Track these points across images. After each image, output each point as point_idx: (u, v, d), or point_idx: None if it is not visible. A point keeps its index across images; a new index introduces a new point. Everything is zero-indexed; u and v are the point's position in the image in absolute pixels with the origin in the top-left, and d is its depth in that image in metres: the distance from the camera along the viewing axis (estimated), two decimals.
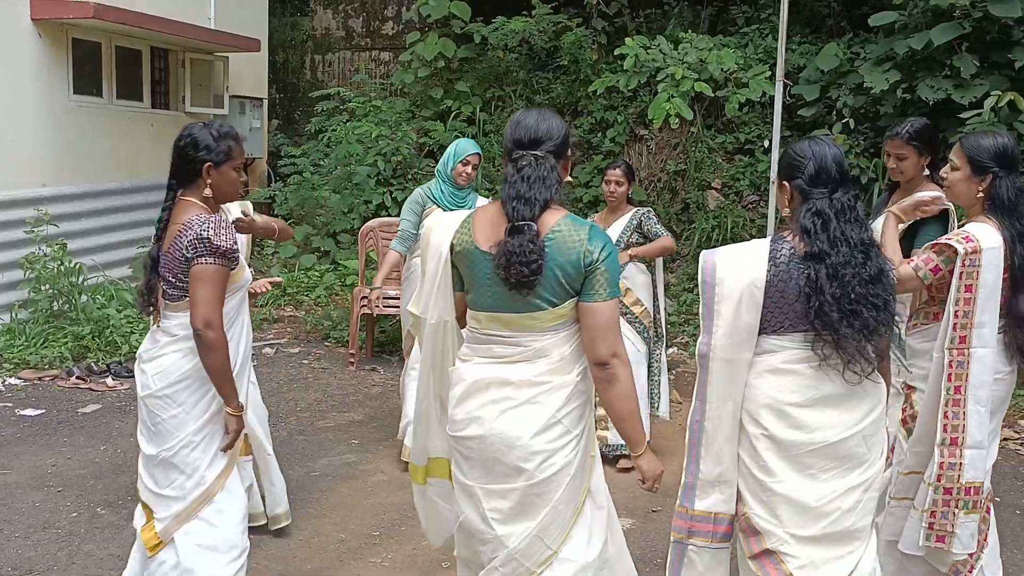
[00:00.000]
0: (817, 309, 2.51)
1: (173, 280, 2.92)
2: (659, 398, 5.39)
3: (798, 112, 8.90)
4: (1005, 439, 5.57)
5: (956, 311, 2.92)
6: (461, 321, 2.71)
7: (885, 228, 3.21)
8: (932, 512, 2.98)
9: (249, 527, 3.85)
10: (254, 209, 4.26)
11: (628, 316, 5.16)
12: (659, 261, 5.39)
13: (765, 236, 5.64)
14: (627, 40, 9.13)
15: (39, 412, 5.83)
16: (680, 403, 6.13)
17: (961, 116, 7.31)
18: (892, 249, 3.07)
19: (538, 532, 2.51)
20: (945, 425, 2.95)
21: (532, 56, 10.59)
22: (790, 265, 2.57)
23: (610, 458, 4.89)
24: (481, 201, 4.99)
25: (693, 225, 8.99)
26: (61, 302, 7.22)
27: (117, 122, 8.81)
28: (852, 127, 8.27)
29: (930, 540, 3.01)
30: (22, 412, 5.82)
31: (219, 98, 10.34)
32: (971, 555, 3.10)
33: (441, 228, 2.67)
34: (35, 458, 5.08)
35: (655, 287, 5.34)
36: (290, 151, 10.56)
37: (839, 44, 8.85)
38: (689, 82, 8.58)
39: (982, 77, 7.56)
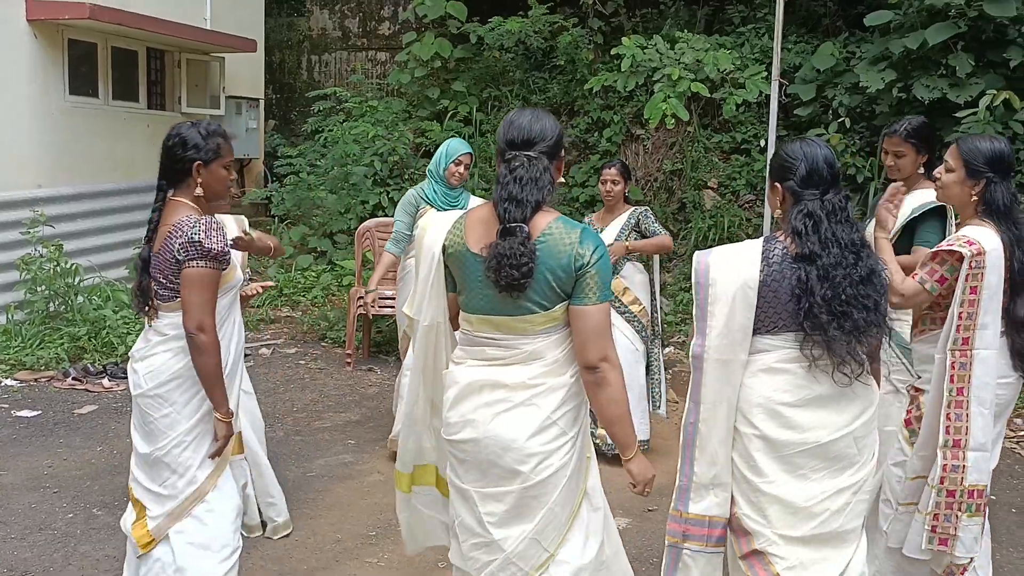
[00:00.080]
0: (807, 310, 2.52)
1: (164, 281, 2.92)
2: (660, 397, 5.42)
3: (794, 112, 8.91)
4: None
5: (960, 312, 2.91)
6: (454, 323, 2.69)
7: (879, 250, 3.17)
8: (935, 515, 2.97)
9: (246, 536, 3.88)
10: (250, 225, 4.29)
11: (627, 315, 5.18)
12: (656, 260, 5.42)
13: (761, 235, 5.66)
14: (624, 40, 9.15)
15: (35, 413, 5.83)
16: (677, 402, 6.14)
17: (957, 115, 7.32)
18: (892, 267, 3.07)
19: (535, 535, 2.50)
20: (948, 427, 2.94)
21: (528, 56, 10.59)
22: (783, 265, 2.57)
23: (609, 456, 4.89)
24: (474, 200, 5.00)
25: (689, 225, 9.00)
26: (57, 303, 7.22)
27: (113, 123, 8.81)
28: (848, 126, 8.29)
29: (932, 543, 3.00)
30: (18, 413, 5.81)
31: (215, 98, 10.35)
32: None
33: (434, 229, 2.65)
34: (31, 459, 5.08)
35: (652, 286, 5.36)
36: (286, 151, 10.56)
37: (835, 43, 8.86)
38: (686, 82, 8.60)
39: (977, 76, 7.57)
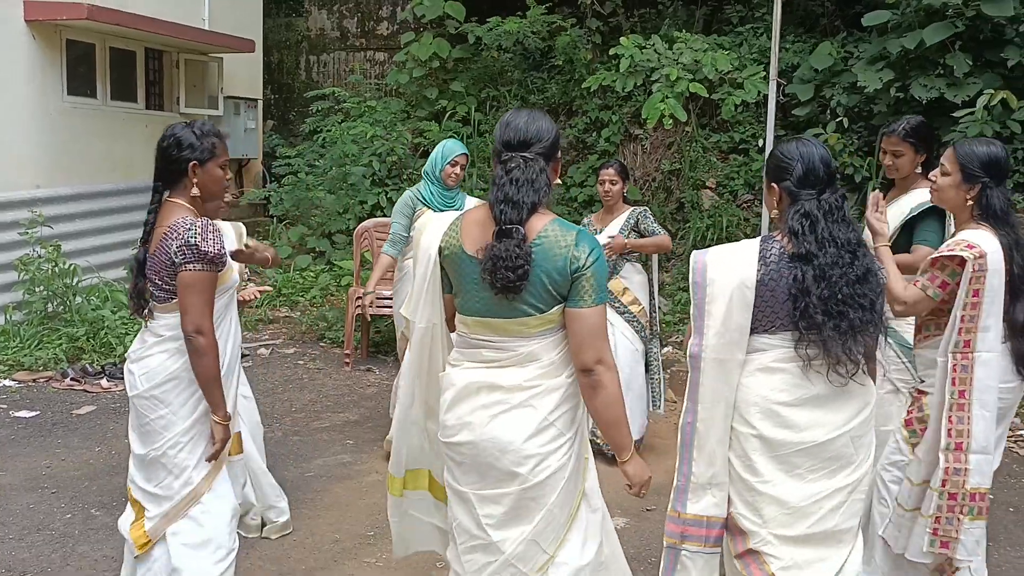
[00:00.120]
0: (803, 310, 2.52)
1: (160, 283, 2.91)
2: (659, 396, 5.43)
3: (792, 112, 8.92)
4: None
5: (962, 316, 2.91)
6: (451, 324, 2.68)
7: (880, 259, 3.15)
8: (936, 517, 2.97)
9: (245, 536, 3.89)
10: (248, 230, 4.31)
11: (626, 315, 5.19)
12: (655, 260, 5.43)
13: (759, 235, 5.66)
14: (622, 40, 9.15)
15: (33, 414, 5.83)
16: (675, 402, 6.14)
17: (954, 115, 7.33)
18: (893, 276, 3.06)
19: (533, 536, 2.49)
20: (950, 430, 2.94)
21: (527, 56, 10.60)
22: (780, 265, 2.58)
23: (608, 456, 4.89)
24: (470, 201, 5.01)
25: (688, 225, 9.00)
26: (55, 303, 7.22)
27: (111, 123, 8.81)
28: (846, 126, 8.29)
29: (934, 546, 2.99)
30: (16, 414, 5.81)
31: (214, 99, 10.35)
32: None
33: (431, 230, 2.65)
34: (29, 460, 5.08)
35: (651, 286, 5.38)
36: (285, 152, 10.56)
37: (833, 43, 8.87)
38: (684, 83, 8.60)
39: (975, 76, 7.59)
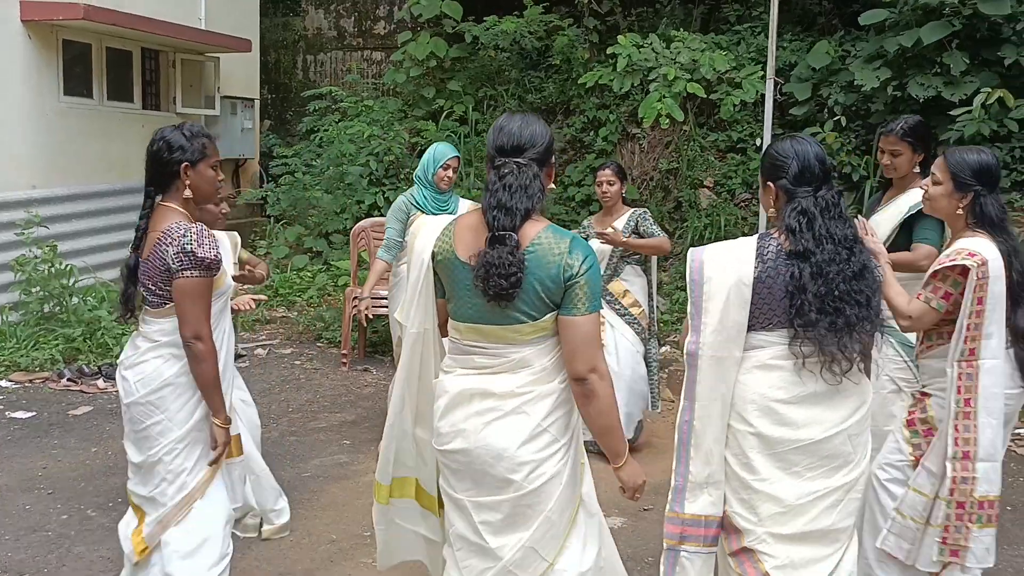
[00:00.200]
0: (798, 307, 2.52)
1: (153, 288, 2.90)
2: (657, 396, 5.47)
3: (790, 111, 8.91)
4: None
5: (968, 324, 2.89)
6: (443, 329, 2.66)
7: (884, 280, 3.12)
8: (946, 527, 2.95)
9: (242, 536, 3.88)
10: (244, 236, 4.32)
11: (627, 317, 5.21)
12: (653, 261, 5.45)
13: (757, 234, 5.66)
14: (619, 38, 9.14)
15: (30, 415, 5.82)
16: (672, 401, 6.14)
17: (951, 113, 7.33)
18: (895, 291, 3.05)
19: (531, 543, 2.47)
20: (956, 439, 2.92)
21: (524, 55, 10.58)
22: (777, 262, 2.58)
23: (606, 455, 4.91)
24: (463, 204, 5.00)
25: (686, 224, 9.00)
26: (52, 304, 7.20)
27: (108, 123, 8.79)
28: (843, 125, 8.29)
29: (944, 555, 2.97)
30: (13, 414, 5.80)
31: (210, 99, 10.33)
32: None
33: (424, 234, 2.63)
34: (26, 460, 5.07)
35: (650, 287, 5.39)
36: (282, 151, 10.54)
37: (830, 42, 8.87)
38: (682, 83, 8.59)
39: (972, 74, 7.58)
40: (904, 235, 3.76)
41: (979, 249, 2.93)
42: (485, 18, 10.17)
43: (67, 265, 7.24)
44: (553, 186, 2.62)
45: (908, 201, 3.75)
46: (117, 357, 6.74)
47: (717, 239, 8.40)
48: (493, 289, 2.36)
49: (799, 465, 2.57)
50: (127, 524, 3.10)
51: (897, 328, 3.16)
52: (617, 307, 5.20)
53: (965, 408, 2.91)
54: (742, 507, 2.63)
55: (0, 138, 7.52)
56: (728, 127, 9.38)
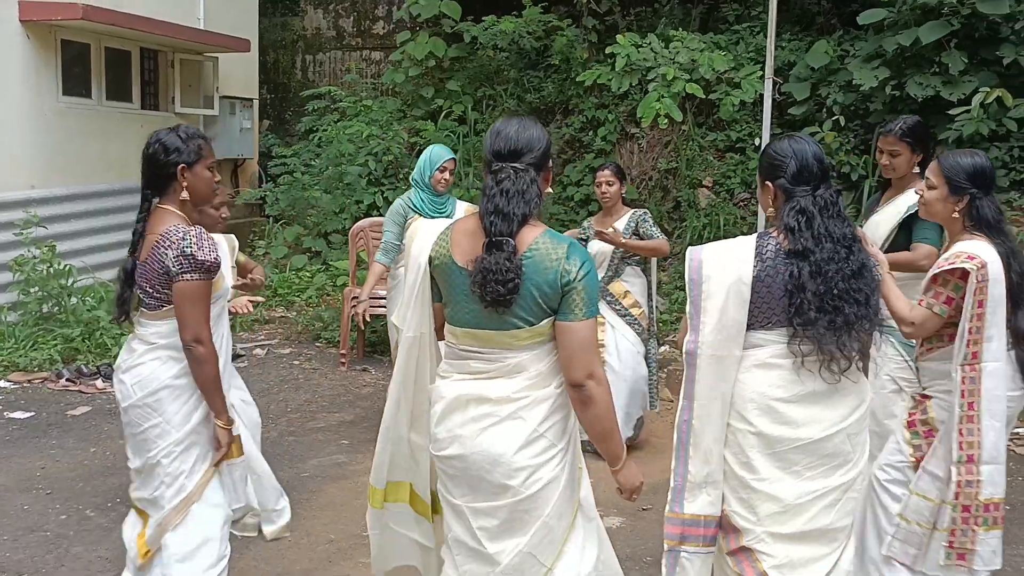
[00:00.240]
0: (797, 306, 2.52)
1: (151, 290, 2.89)
2: (655, 395, 5.47)
3: (788, 110, 8.91)
4: None
5: (970, 327, 2.88)
6: (439, 332, 2.65)
7: (884, 286, 3.11)
8: (952, 531, 2.94)
9: (241, 535, 3.88)
10: (238, 248, 4.34)
11: (627, 318, 5.22)
12: (653, 261, 5.46)
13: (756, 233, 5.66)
14: (618, 38, 9.13)
15: (28, 415, 5.82)
16: (672, 400, 6.14)
17: (950, 113, 7.33)
18: (895, 297, 3.04)
19: (529, 549, 2.46)
20: (961, 443, 2.91)
21: (522, 55, 10.58)
22: (776, 261, 2.58)
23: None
24: (461, 206, 5.00)
25: (684, 223, 9.00)
26: (51, 304, 7.20)
27: (106, 123, 8.79)
28: (842, 124, 8.29)
29: (951, 558, 2.97)
30: (11, 415, 5.80)
31: (209, 99, 10.32)
32: None
33: (421, 238, 2.62)
34: (24, 461, 5.06)
35: (649, 288, 5.40)
36: (281, 151, 10.53)
37: (829, 42, 8.87)
38: (680, 83, 8.59)
39: (971, 74, 7.59)
40: (903, 235, 3.76)
41: (978, 252, 2.92)
42: (484, 18, 10.16)
43: (66, 265, 7.23)
44: (550, 190, 2.62)
45: (907, 201, 3.75)
46: (116, 357, 6.74)
47: (716, 238, 8.38)
48: (490, 295, 2.35)
49: (799, 464, 2.57)
50: (132, 527, 3.11)
51: (895, 326, 3.16)
52: (618, 308, 5.21)
53: (968, 412, 2.90)
54: (741, 506, 2.62)
55: None
56: (727, 127, 9.38)
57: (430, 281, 2.60)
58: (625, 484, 2.57)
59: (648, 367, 5.36)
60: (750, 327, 2.59)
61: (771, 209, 2.70)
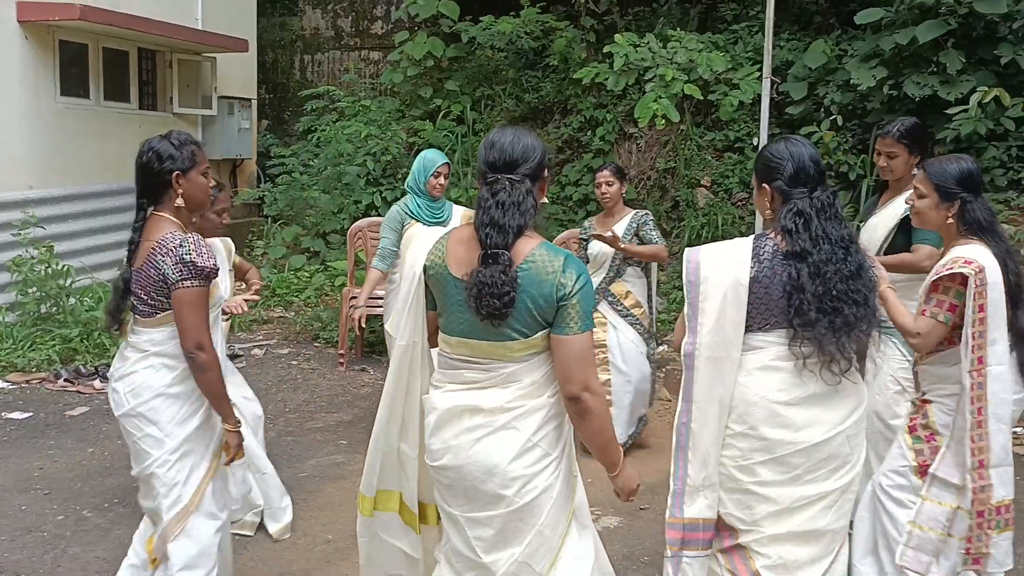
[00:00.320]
0: (797, 307, 2.52)
1: (145, 297, 2.89)
2: (655, 395, 5.48)
3: (786, 110, 8.92)
4: None
5: (973, 333, 2.87)
6: (432, 340, 2.65)
7: (885, 300, 3.06)
8: (968, 537, 2.94)
9: (237, 534, 3.89)
10: (235, 250, 4.35)
11: (629, 318, 5.22)
12: (653, 263, 5.44)
13: (754, 233, 5.66)
14: (616, 37, 9.13)
15: (26, 415, 5.81)
16: (670, 400, 6.15)
17: (948, 112, 7.34)
18: (899, 312, 3.03)
19: (524, 558, 2.46)
20: (973, 449, 2.90)
21: (521, 55, 10.58)
22: (774, 262, 2.58)
23: None
24: (457, 211, 5.00)
25: (683, 223, 9.00)
26: (49, 305, 7.19)
27: (104, 123, 8.79)
28: (840, 124, 8.29)
29: (967, 564, 2.96)
30: (9, 415, 5.80)
31: (207, 99, 10.32)
32: None
33: (416, 246, 2.62)
34: (22, 461, 5.06)
35: (649, 288, 5.40)
36: (279, 151, 10.53)
37: (827, 41, 8.87)
38: (679, 84, 8.59)
39: (968, 73, 7.59)
40: (902, 237, 3.76)
41: (975, 256, 2.90)
42: (482, 18, 10.17)
43: (64, 266, 7.23)
44: (546, 200, 2.60)
45: (905, 203, 3.75)
46: (114, 358, 6.74)
47: (715, 238, 8.41)
48: (486, 309, 2.34)
49: (800, 468, 2.57)
50: (143, 532, 3.12)
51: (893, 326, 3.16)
52: (620, 308, 5.21)
53: (978, 417, 2.88)
54: (737, 508, 2.62)
55: None
56: (725, 126, 9.38)
57: (424, 289, 2.58)
58: (623, 488, 2.57)
59: (652, 368, 5.37)
60: (748, 329, 2.59)
61: (768, 212, 2.70)
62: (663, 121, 8.40)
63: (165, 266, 2.80)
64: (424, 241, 2.60)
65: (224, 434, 3.00)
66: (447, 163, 4.97)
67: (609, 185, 5.21)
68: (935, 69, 7.66)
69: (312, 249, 9.46)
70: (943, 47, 7.65)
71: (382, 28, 12.55)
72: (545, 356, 2.45)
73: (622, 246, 5.03)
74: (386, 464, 2.77)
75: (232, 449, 3.00)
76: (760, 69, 8.44)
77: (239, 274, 4.44)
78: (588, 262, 5.25)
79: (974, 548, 2.93)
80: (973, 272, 2.86)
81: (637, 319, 5.23)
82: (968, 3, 7.42)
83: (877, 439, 3.61)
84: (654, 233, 5.18)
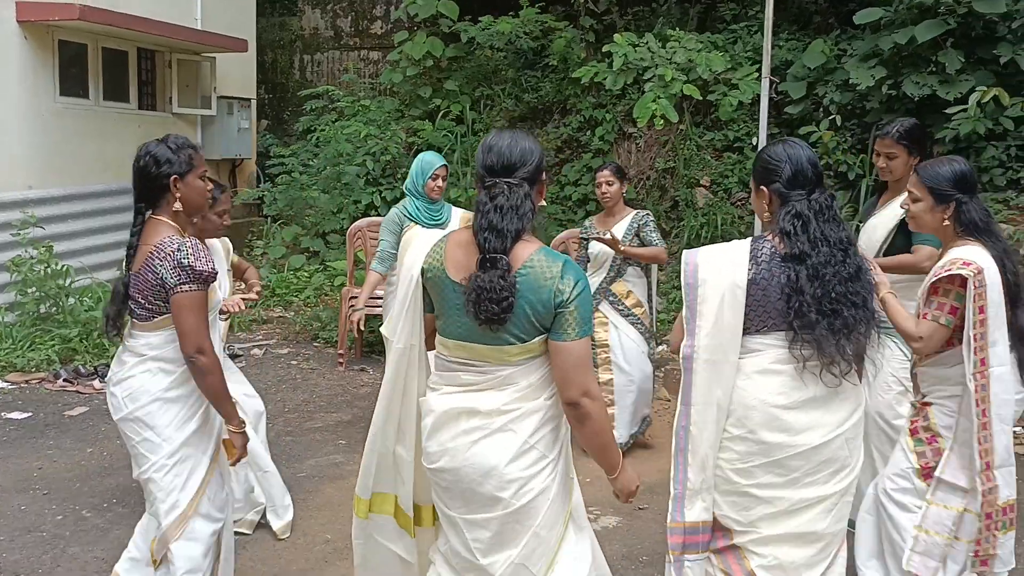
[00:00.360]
0: (796, 309, 2.52)
1: (142, 301, 2.89)
2: (653, 395, 5.48)
3: (785, 109, 8.91)
4: None
5: (975, 335, 2.87)
6: (429, 341, 2.64)
7: (886, 306, 3.07)
8: (977, 540, 2.94)
9: (236, 532, 3.89)
10: (233, 249, 4.35)
11: (630, 318, 5.23)
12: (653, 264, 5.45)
13: (753, 233, 5.67)
14: (615, 37, 9.13)
15: (26, 415, 5.82)
16: (669, 400, 6.15)
17: (947, 112, 7.34)
18: (901, 317, 3.03)
19: (521, 560, 2.46)
20: (980, 451, 2.90)
21: (520, 55, 10.58)
22: (771, 264, 2.58)
23: None
24: (456, 213, 5.01)
25: (682, 223, 9.00)
26: (48, 305, 7.20)
27: (104, 123, 8.79)
28: (839, 124, 8.29)
29: (975, 566, 2.97)
30: (8, 415, 5.80)
31: (207, 99, 10.32)
32: None
33: (415, 247, 2.62)
34: (21, 461, 5.06)
35: (649, 288, 5.41)
36: (279, 151, 10.53)
37: (826, 41, 8.86)
38: (678, 83, 8.59)
39: (967, 73, 7.59)
40: (901, 237, 3.75)
41: (973, 257, 2.90)
42: (481, 18, 10.17)
43: (63, 265, 7.23)
44: (544, 203, 2.60)
45: (900, 207, 3.75)
46: (113, 358, 6.74)
47: (714, 238, 8.42)
48: (484, 314, 2.34)
49: (799, 471, 2.57)
50: (145, 526, 3.12)
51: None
52: (621, 308, 5.21)
53: (983, 419, 2.88)
54: (733, 510, 2.63)
55: None
56: (724, 126, 9.38)
57: (422, 291, 2.58)
58: (622, 490, 2.56)
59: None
60: (747, 331, 2.59)
61: (766, 214, 2.69)
62: (662, 121, 8.40)
63: (163, 270, 2.80)
64: (422, 244, 2.60)
65: (229, 435, 3.00)
66: (445, 165, 4.97)
67: (609, 185, 5.21)
68: (934, 69, 7.66)
69: (311, 249, 9.46)
70: (942, 47, 7.65)
71: (381, 28, 12.55)
72: (542, 360, 2.45)
73: (622, 248, 5.03)
74: (382, 466, 2.76)
75: (237, 450, 3.01)
76: (759, 69, 8.44)
77: (238, 273, 4.45)
78: (589, 261, 5.26)
79: (983, 550, 2.93)
80: (972, 274, 2.85)
81: (638, 319, 5.24)
82: (967, 3, 7.42)
83: (881, 439, 3.61)
84: (654, 235, 5.18)
